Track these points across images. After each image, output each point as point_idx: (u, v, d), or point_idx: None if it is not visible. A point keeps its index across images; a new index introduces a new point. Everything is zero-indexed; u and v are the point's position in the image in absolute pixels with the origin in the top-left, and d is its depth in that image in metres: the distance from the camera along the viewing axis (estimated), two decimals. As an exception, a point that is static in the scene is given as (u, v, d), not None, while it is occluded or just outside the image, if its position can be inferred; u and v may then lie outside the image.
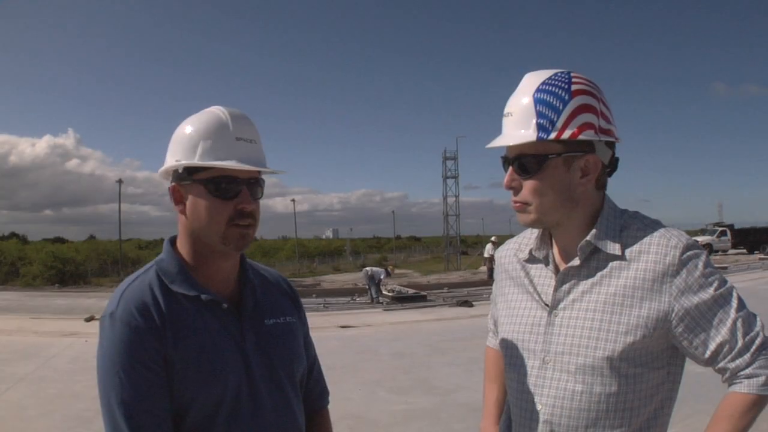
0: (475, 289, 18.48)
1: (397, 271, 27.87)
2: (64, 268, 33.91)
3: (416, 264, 49.63)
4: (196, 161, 1.22)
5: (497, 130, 1.34)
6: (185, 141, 1.25)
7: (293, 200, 54.36)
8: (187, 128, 1.26)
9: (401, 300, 15.53)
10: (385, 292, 16.38)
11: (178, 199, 1.27)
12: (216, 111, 1.27)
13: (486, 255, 23.88)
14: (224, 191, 1.23)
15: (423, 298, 15.97)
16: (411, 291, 17.14)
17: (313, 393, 1.50)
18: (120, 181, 40.68)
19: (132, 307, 1.18)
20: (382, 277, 16.13)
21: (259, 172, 1.28)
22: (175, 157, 1.26)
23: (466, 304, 13.78)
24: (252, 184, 1.27)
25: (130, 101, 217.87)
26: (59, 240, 64.88)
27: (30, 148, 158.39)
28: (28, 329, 10.86)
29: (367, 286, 16.26)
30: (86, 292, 22.54)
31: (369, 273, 16.12)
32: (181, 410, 1.19)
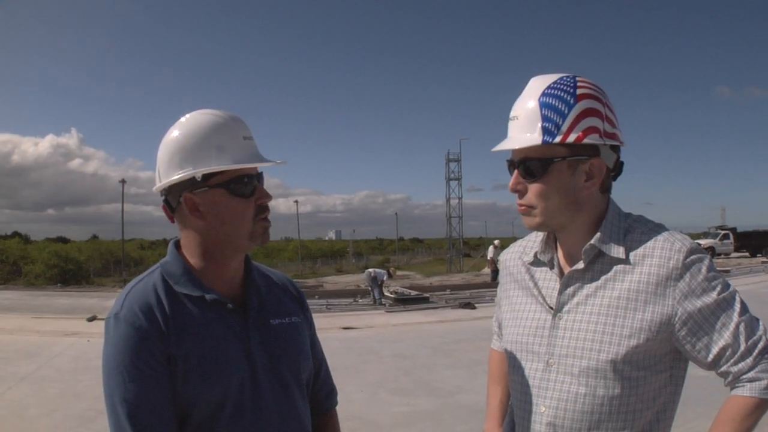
0: (477, 291, 18.46)
1: (399, 272, 27.85)
2: (67, 267, 33.98)
3: (419, 266, 49.63)
4: (213, 167, 1.22)
5: (501, 133, 1.35)
6: (195, 149, 1.23)
7: (296, 201, 54.60)
8: (190, 136, 1.24)
9: (404, 302, 15.53)
10: (387, 294, 16.38)
11: (193, 207, 1.25)
12: (213, 114, 1.27)
13: (489, 257, 23.89)
14: (243, 190, 1.25)
15: (425, 300, 15.96)
16: (413, 293, 17.12)
17: (320, 394, 1.51)
18: (123, 181, 40.57)
19: (136, 308, 1.19)
20: (384, 278, 16.12)
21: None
22: (184, 167, 1.23)
23: (469, 306, 13.75)
24: (259, 179, 1.30)
25: (133, 101, 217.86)
26: (62, 239, 65.03)
27: (33, 147, 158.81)
28: (30, 329, 10.89)
29: (369, 288, 16.25)
30: (88, 291, 22.61)
31: (372, 274, 16.09)
32: (185, 409, 1.20)
